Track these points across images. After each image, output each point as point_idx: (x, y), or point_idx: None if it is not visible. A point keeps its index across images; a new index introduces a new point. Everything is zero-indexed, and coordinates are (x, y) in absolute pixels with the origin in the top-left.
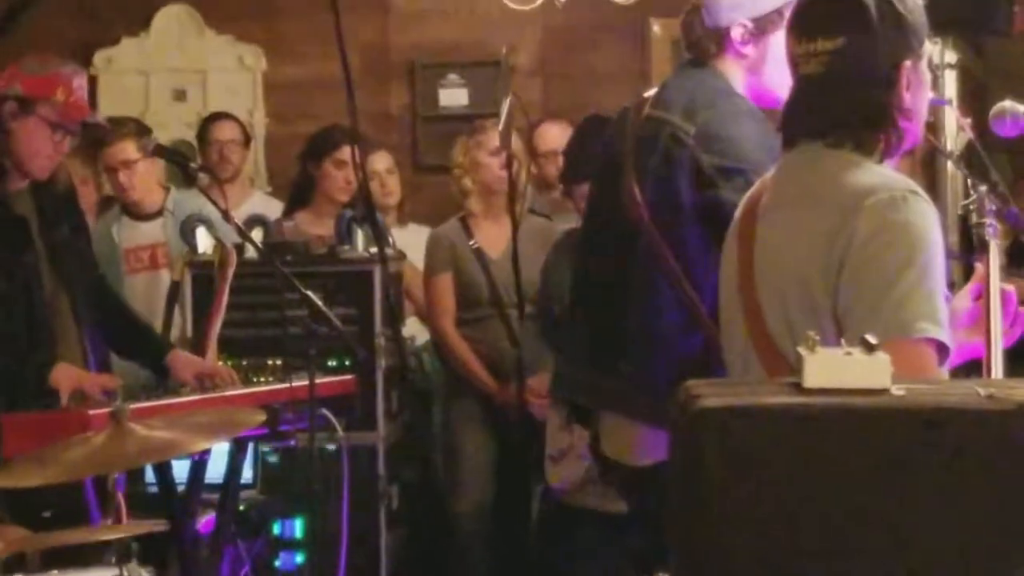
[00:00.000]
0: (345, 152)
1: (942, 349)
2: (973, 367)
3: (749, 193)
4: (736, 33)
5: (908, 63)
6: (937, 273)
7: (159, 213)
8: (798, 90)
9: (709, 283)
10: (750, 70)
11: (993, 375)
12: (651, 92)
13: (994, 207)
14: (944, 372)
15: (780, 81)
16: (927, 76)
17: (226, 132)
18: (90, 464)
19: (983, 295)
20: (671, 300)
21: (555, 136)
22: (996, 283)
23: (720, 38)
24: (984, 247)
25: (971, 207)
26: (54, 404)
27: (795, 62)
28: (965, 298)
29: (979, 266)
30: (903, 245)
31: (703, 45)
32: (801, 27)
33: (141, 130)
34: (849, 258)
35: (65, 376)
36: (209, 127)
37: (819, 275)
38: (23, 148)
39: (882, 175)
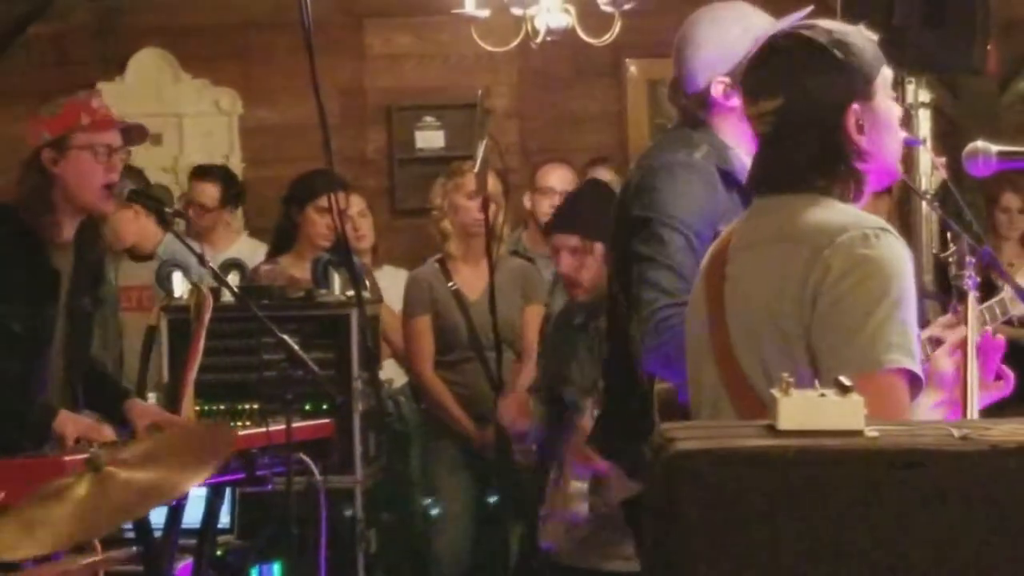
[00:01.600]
0: (326, 199)
1: (915, 380)
2: None
3: (717, 242)
4: (717, 91)
5: (855, 106)
6: (909, 307)
7: (150, 256)
8: (757, 149)
9: None
10: (743, 118)
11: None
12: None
13: (974, 259)
14: (917, 404)
15: None
16: (886, 112)
17: (207, 193)
18: (79, 523)
19: (957, 374)
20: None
21: (557, 176)
22: (973, 336)
23: (704, 100)
24: (962, 299)
25: (950, 259)
26: (54, 448)
27: (750, 123)
28: (944, 358)
29: (960, 328)
30: (876, 280)
31: (691, 112)
32: (746, 90)
33: (128, 173)
34: (822, 294)
35: (71, 423)
36: (191, 183)
37: (792, 312)
38: (75, 183)
39: (852, 214)
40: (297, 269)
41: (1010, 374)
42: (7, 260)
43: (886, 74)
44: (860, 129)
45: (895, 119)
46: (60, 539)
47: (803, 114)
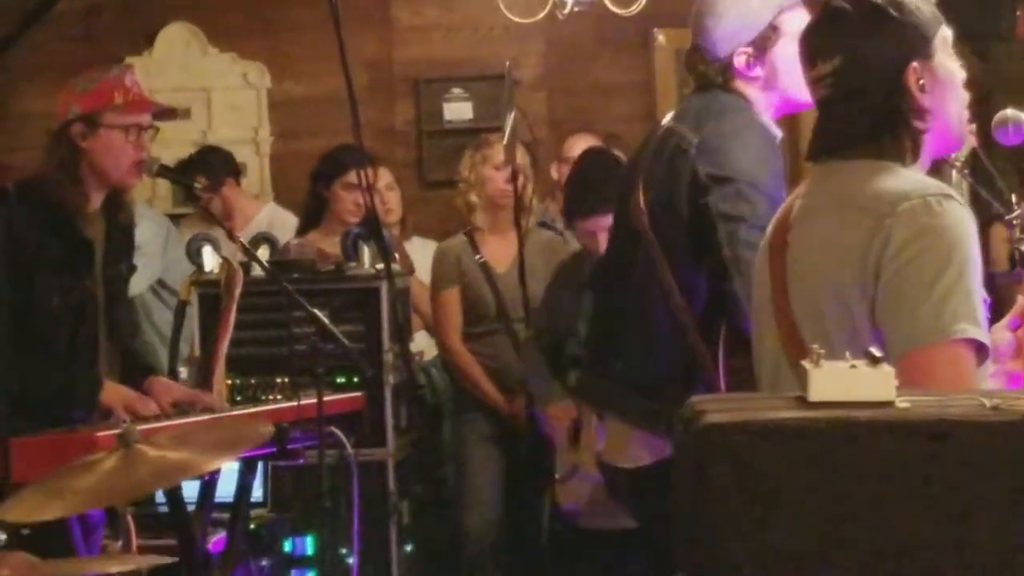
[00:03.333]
0: (353, 175)
1: (981, 349)
2: None
3: (780, 209)
4: (740, 61)
5: (915, 64)
6: (974, 275)
7: None
8: (817, 115)
9: (699, 289)
10: (766, 87)
11: None
12: (667, 116)
13: None
14: (984, 373)
15: (799, 84)
16: (948, 72)
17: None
18: (102, 493)
19: (1017, 349)
20: (662, 304)
21: (584, 147)
22: None
23: (725, 69)
24: (1020, 263)
25: (1015, 221)
26: (103, 420)
27: (809, 88)
28: (1003, 330)
29: (1021, 298)
30: (939, 248)
31: (711, 79)
32: (804, 55)
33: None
34: (885, 264)
35: (116, 395)
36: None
37: (854, 282)
38: (104, 160)
39: (914, 180)
40: (326, 244)
41: None
42: (39, 234)
43: (945, 33)
44: (921, 88)
45: (958, 80)
46: (85, 503)
47: (861, 75)
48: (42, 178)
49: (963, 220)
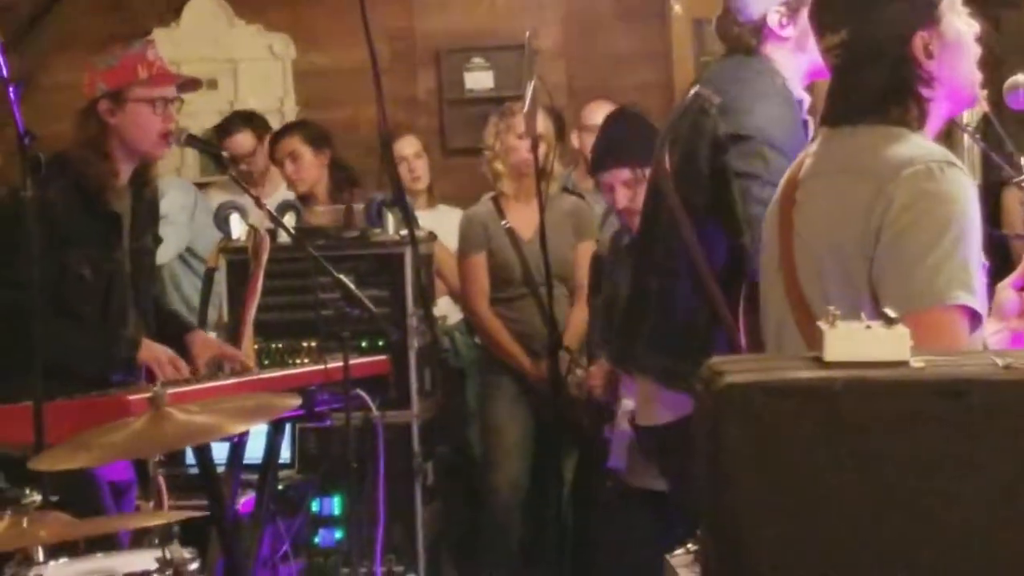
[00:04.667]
0: None
1: (975, 317)
2: None
3: (791, 167)
4: (773, 20)
5: (923, 32)
6: (972, 243)
7: None
8: (830, 82)
9: (719, 248)
10: (796, 49)
11: None
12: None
13: None
14: (977, 340)
15: None
16: (956, 34)
17: (243, 145)
18: (129, 447)
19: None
20: (685, 265)
21: (603, 114)
22: None
23: (758, 30)
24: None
25: (1022, 183)
26: (138, 379)
27: (823, 58)
28: (1008, 289)
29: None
30: (939, 214)
31: (744, 41)
32: (815, 26)
33: None
34: (885, 227)
35: (152, 353)
36: (223, 140)
37: (855, 243)
38: (133, 134)
39: (920, 146)
40: (324, 216)
41: None
42: (70, 208)
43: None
44: (929, 55)
45: (968, 39)
46: (113, 456)
47: (868, 45)
48: (72, 154)
49: (965, 187)
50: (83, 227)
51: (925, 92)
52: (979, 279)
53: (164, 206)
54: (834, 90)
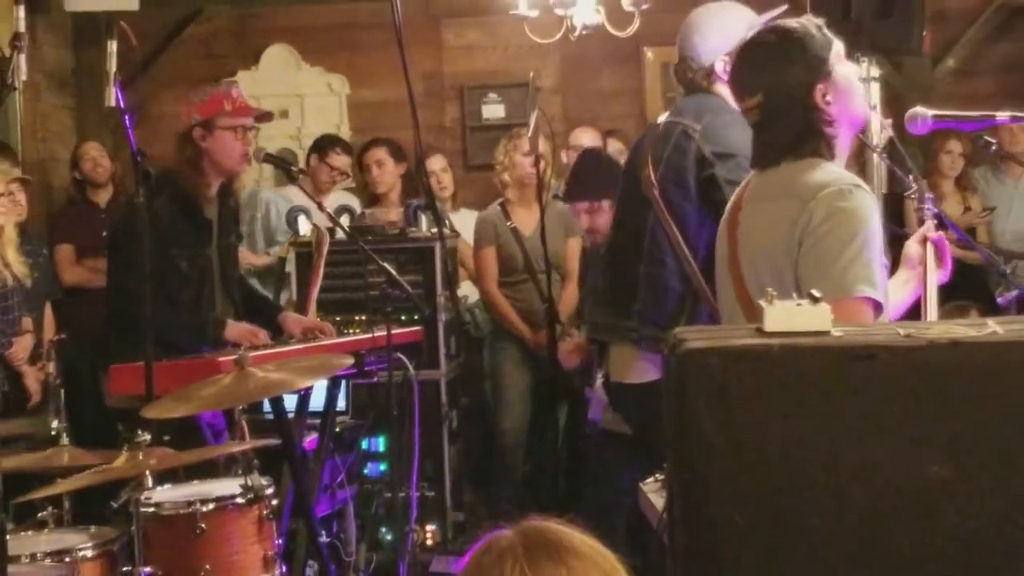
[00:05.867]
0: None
1: (877, 306)
2: None
3: (735, 192)
4: (719, 67)
5: (820, 85)
6: (875, 248)
7: None
8: (753, 134)
9: (701, 244)
10: None
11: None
12: (663, 116)
13: (931, 196)
14: (877, 321)
15: None
16: (845, 78)
17: (339, 162)
18: (219, 399)
19: (922, 257)
20: (671, 257)
21: (586, 136)
22: (931, 258)
23: (708, 74)
24: (921, 224)
25: (912, 196)
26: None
27: (744, 115)
28: (913, 244)
29: (915, 237)
30: (847, 226)
31: (697, 83)
32: (734, 90)
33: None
34: (806, 236)
35: (237, 329)
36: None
37: (784, 250)
38: (220, 155)
39: (834, 172)
40: (388, 214)
41: (950, 264)
42: (173, 215)
43: (837, 47)
44: (827, 102)
45: (854, 80)
46: (207, 406)
47: (779, 102)
48: (174, 171)
49: (868, 205)
50: (182, 230)
51: (829, 130)
52: (881, 275)
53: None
54: (760, 141)
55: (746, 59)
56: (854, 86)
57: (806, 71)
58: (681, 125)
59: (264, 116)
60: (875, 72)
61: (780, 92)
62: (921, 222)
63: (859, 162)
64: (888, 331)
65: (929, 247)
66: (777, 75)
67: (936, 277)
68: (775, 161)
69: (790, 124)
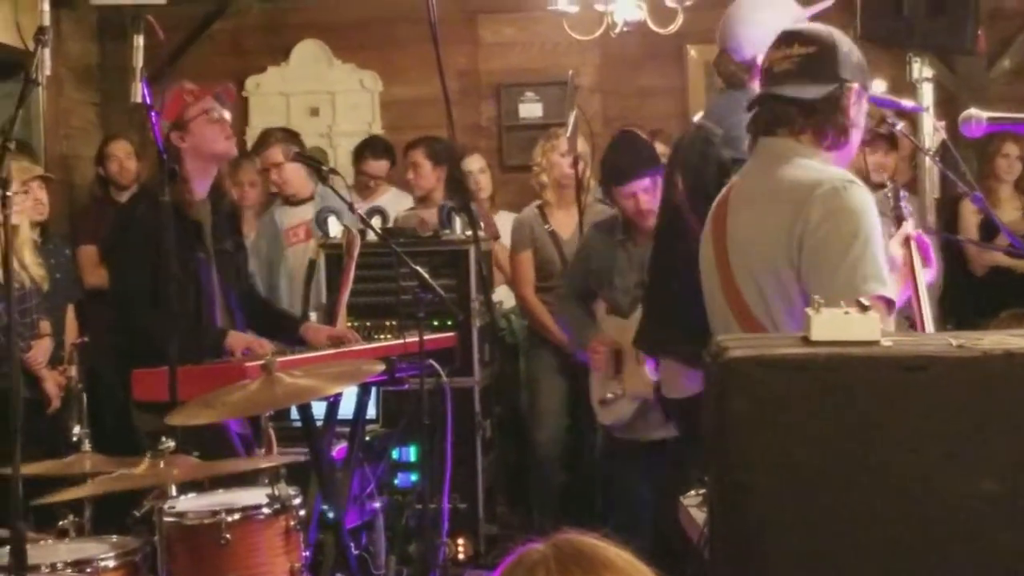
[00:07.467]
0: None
1: (889, 303)
2: None
3: (722, 190)
4: (761, 61)
5: (857, 87)
6: (877, 242)
7: (309, 199)
8: (761, 89)
9: None
10: None
11: (924, 321)
12: (698, 116)
13: (906, 195)
14: (891, 321)
15: None
16: (863, 113)
17: (374, 168)
18: (245, 405)
19: (906, 258)
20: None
21: None
22: (918, 259)
23: (749, 68)
24: (899, 222)
25: (888, 194)
26: (224, 358)
27: (769, 65)
28: (894, 245)
29: (904, 226)
30: (847, 225)
31: (737, 76)
32: (780, 39)
33: (287, 137)
34: (806, 240)
35: (238, 340)
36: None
37: (782, 256)
38: (204, 147)
39: (823, 170)
40: (427, 214)
41: (935, 262)
42: (159, 218)
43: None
44: (851, 107)
45: (864, 124)
46: (233, 413)
47: (826, 62)
48: (153, 181)
49: (864, 200)
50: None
51: (838, 126)
52: (887, 271)
53: None
54: (771, 96)
55: (816, 19)
56: (862, 126)
57: (859, 68)
58: (705, 129)
59: (225, 92)
60: (927, 72)
61: (835, 56)
62: (896, 221)
63: (911, 165)
64: (940, 341)
65: (914, 247)
66: (839, 46)
67: (924, 277)
68: (771, 130)
69: (817, 91)
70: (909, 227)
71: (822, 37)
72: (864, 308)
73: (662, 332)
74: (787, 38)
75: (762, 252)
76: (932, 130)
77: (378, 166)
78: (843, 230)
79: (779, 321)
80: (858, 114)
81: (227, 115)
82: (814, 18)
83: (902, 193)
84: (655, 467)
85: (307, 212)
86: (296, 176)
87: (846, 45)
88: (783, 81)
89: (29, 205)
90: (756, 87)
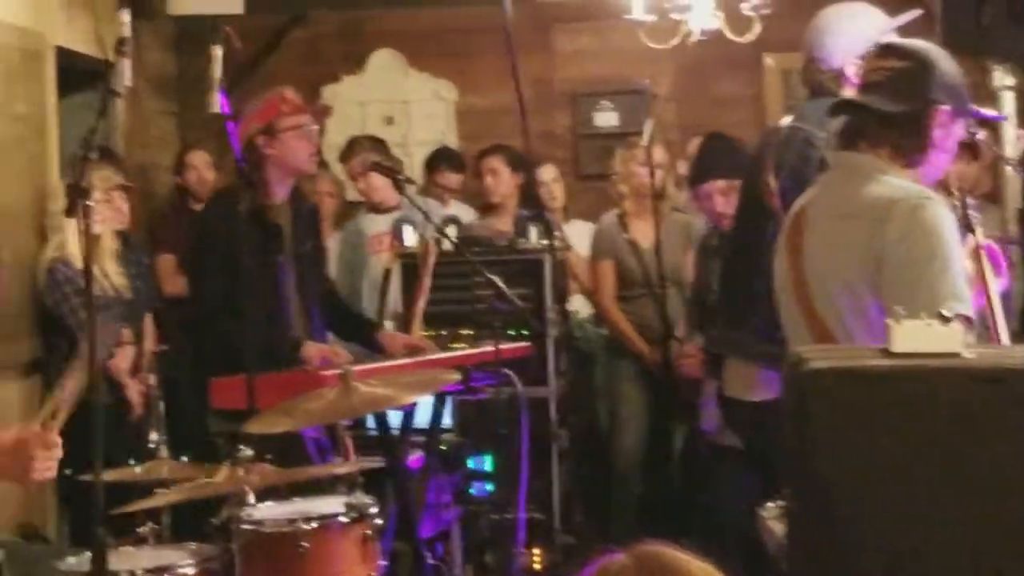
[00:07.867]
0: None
1: (968, 321)
2: None
3: (795, 205)
4: (850, 70)
5: (947, 109)
6: (956, 260)
7: (395, 208)
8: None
9: None
10: None
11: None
12: (785, 119)
13: (974, 203)
14: (970, 338)
15: None
16: (954, 138)
17: (450, 180)
18: (323, 413)
19: (978, 271)
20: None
21: None
22: (989, 269)
23: (837, 76)
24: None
25: (956, 204)
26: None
27: (861, 75)
28: (966, 259)
29: (974, 237)
30: (926, 243)
31: (826, 85)
32: (878, 51)
33: (373, 145)
34: (884, 258)
35: (314, 349)
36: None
37: (859, 273)
38: (287, 158)
39: (901, 187)
40: (502, 224)
41: (1006, 272)
42: (241, 223)
43: (964, 121)
44: (934, 128)
45: (954, 148)
46: (310, 421)
47: (917, 79)
48: (235, 185)
49: (942, 215)
50: (250, 237)
51: (917, 146)
52: (965, 287)
53: None
54: (854, 108)
55: (911, 46)
56: (950, 152)
57: (954, 91)
58: (804, 131)
59: (320, 111)
60: (1008, 81)
61: (929, 72)
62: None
63: (992, 175)
64: (1021, 354)
65: (983, 256)
66: (936, 64)
67: (996, 286)
68: (853, 144)
69: (900, 103)
70: (979, 236)
71: (919, 54)
72: (945, 320)
73: (736, 333)
74: (884, 50)
75: (838, 267)
76: (1014, 139)
77: (455, 179)
78: (921, 248)
79: (853, 336)
80: (945, 137)
81: (317, 135)
82: (900, 29)
83: (970, 202)
84: (747, 477)
85: (390, 222)
86: (382, 184)
87: (944, 65)
88: (871, 91)
89: (110, 214)
90: (845, 96)
